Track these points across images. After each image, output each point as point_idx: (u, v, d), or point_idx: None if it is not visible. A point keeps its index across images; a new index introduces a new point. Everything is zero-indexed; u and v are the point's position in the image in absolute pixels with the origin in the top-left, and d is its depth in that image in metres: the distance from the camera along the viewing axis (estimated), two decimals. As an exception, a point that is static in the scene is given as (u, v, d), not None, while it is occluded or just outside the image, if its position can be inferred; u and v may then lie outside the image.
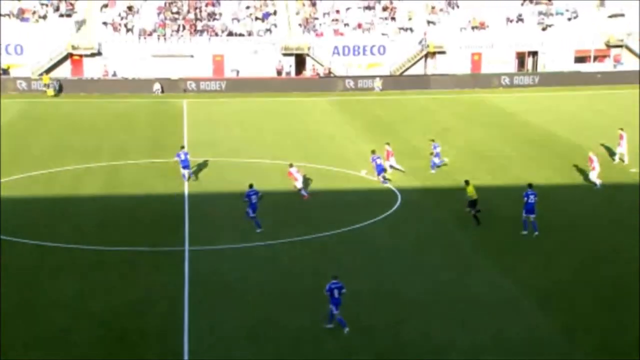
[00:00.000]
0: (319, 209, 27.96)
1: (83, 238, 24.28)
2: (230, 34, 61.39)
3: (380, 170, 30.79)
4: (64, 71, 58.25)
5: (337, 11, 64.37)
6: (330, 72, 60.86)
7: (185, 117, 46.69)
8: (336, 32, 62.73)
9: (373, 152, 31.73)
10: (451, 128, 42.95)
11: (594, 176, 30.58)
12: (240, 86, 57.79)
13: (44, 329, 18.28)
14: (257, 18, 62.83)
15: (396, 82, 59.34)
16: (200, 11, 62.94)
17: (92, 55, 58.38)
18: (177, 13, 62.50)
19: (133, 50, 59.00)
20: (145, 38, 59.90)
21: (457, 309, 19.59)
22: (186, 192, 30.18)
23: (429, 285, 21.24)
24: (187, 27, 61.15)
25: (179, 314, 19.24)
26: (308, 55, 61.45)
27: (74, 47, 58.09)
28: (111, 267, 22.18)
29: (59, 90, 54.46)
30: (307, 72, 61.30)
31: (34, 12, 59.68)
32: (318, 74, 60.12)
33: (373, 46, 61.81)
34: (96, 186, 30.72)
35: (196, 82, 57.25)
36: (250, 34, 61.53)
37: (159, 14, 62.24)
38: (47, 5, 60.75)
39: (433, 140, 34.20)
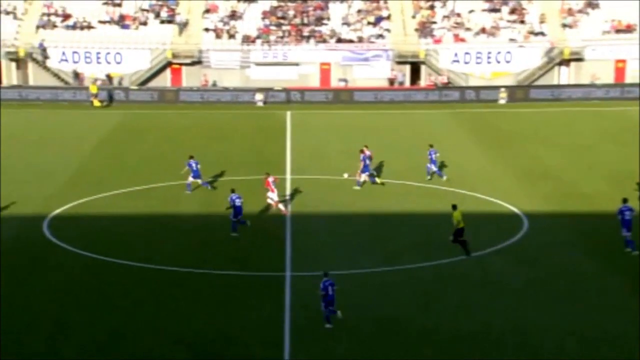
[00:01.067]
0: (433, 233, 27.49)
1: (181, 259, 24.91)
2: (339, 40, 61.99)
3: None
4: (163, 80, 60.68)
5: (458, 14, 63.66)
6: (448, 82, 60.14)
7: (289, 130, 47.33)
8: (456, 37, 62.00)
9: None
10: (592, 146, 41.26)
11: None
12: (349, 97, 58.11)
13: (141, 356, 18.79)
14: (369, 23, 63.15)
15: (524, 93, 57.82)
16: (308, 15, 64.01)
17: (192, 63, 60.52)
18: (283, 18, 63.84)
19: (235, 58, 60.69)
20: (248, 45, 61.53)
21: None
22: (288, 210, 30.47)
23: (573, 325, 20.28)
24: (293, 33, 62.32)
25: (279, 342, 19.32)
26: (424, 63, 61.03)
27: (174, 55, 60.43)
28: (209, 291, 22.59)
29: (110, 100, 56.29)
30: (423, 82, 60.84)
31: (135, 19, 62.64)
32: (435, 84, 59.55)
33: (498, 53, 60.62)
34: (195, 203, 31.56)
35: (301, 93, 58.08)
36: (360, 40, 61.87)
37: (263, 18, 63.82)
38: (147, 11, 63.61)
39: (432, 146, 34.57)
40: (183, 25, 62.38)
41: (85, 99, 56.21)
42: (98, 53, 59.65)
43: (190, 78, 60.65)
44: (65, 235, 26.88)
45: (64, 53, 59.25)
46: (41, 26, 60.83)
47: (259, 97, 57.37)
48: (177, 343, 19.39)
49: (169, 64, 60.62)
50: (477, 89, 58.40)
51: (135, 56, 60.11)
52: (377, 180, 33.87)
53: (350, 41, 61.86)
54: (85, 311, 21.05)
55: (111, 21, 62.17)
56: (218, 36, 62.12)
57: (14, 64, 59.09)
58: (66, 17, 61.73)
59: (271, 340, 19.52)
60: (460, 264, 24.71)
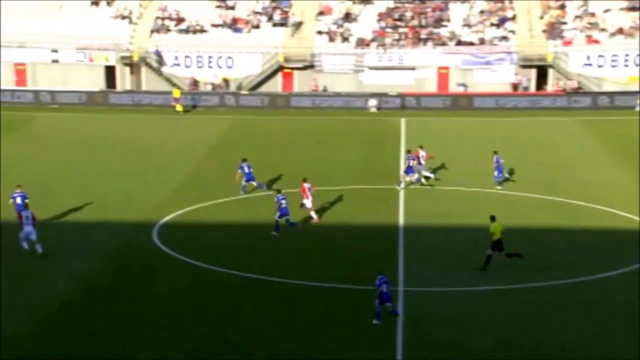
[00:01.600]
0: (553, 250, 26.74)
1: (280, 270, 25.30)
2: (459, 42, 61.30)
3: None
4: (274, 85, 61.86)
5: (592, 14, 61.60)
6: (579, 87, 58.24)
7: (403, 138, 47.15)
8: (589, 39, 59.99)
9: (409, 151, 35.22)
10: None
11: None
12: (469, 103, 57.34)
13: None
14: (492, 24, 62.14)
15: (665, 99, 55.24)
16: (426, 17, 63.67)
17: (304, 68, 61.41)
18: (400, 20, 63.80)
19: (348, 62, 61.13)
20: (362, 48, 61.83)
21: None
22: (401, 223, 30.38)
23: None
24: (410, 35, 62.16)
25: (391, 359, 19.32)
26: (551, 66, 59.41)
27: (285, 59, 61.52)
28: (317, 304, 22.81)
29: (193, 106, 57.56)
30: (550, 87, 59.21)
31: (247, 22, 64.27)
32: (564, 90, 57.82)
33: (637, 55, 58.20)
34: (298, 213, 31.97)
35: (417, 98, 57.81)
36: (482, 42, 60.94)
37: (378, 20, 64.01)
38: (260, 14, 65.12)
39: (496, 153, 34.89)
40: (296, 26, 63.34)
41: (197, 104, 58.14)
42: (210, 57, 61.52)
43: (301, 83, 61.51)
44: (174, 242, 27.82)
45: (176, 57, 61.47)
46: (155, 30, 63.40)
47: (372, 102, 57.51)
48: (284, 356, 19.68)
49: (280, 68, 61.74)
50: (611, 94, 56.32)
51: (247, 60, 61.59)
52: (424, 181, 35.30)
53: (471, 44, 61.02)
54: (191, 319, 21.70)
55: (224, 24, 64.01)
56: (331, 39, 62.77)
57: (127, 69, 61.79)
58: (180, 20, 64.08)
59: (383, 357, 19.47)
60: (583, 285, 23.89)
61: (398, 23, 63.49)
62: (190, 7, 65.17)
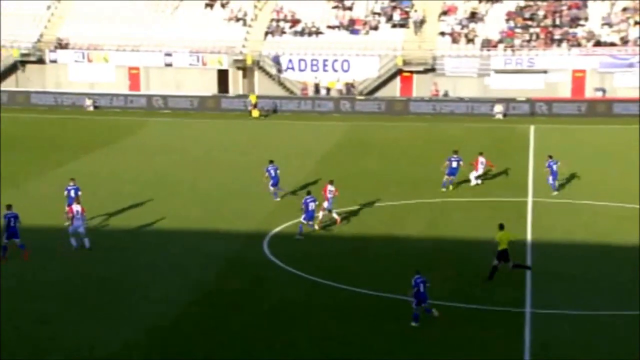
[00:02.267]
0: None
1: (402, 286, 25.07)
2: (598, 43, 59.34)
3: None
4: (392, 90, 61.63)
5: None
6: None
7: (532, 147, 46.05)
8: None
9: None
10: None
11: None
12: (607, 109, 55.42)
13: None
14: (636, 23, 59.81)
15: None
16: (561, 16, 62.02)
17: (425, 71, 60.93)
18: (531, 19, 62.41)
19: (472, 65, 60.25)
20: (488, 50, 60.83)
21: None
22: (529, 239, 29.62)
23: None
24: (542, 36, 60.68)
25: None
26: (703, 69, 56.59)
27: (404, 62, 61.21)
28: (434, 324, 22.48)
29: (274, 111, 58.20)
30: (701, 93, 56.42)
31: (365, 23, 64.43)
32: None
33: None
34: (421, 225, 31.67)
35: (548, 104, 56.36)
36: (624, 42, 58.77)
37: (507, 20, 62.82)
38: (379, 14, 65.15)
39: (550, 157, 35.53)
40: (418, 25, 62.82)
41: (310, 109, 58.76)
42: (325, 60, 61.98)
43: (421, 87, 61.02)
44: (284, 254, 28.09)
45: (290, 61, 62.29)
46: (269, 32, 64.51)
47: (498, 108, 56.47)
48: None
49: (398, 71, 61.49)
50: None
51: (364, 63, 61.69)
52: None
53: (612, 44, 58.95)
54: (300, 333, 21.81)
55: (340, 26, 64.40)
56: (455, 41, 62.06)
57: (240, 73, 63.11)
58: (295, 22, 64.96)
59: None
60: None
61: (529, 23, 62.10)
62: (306, 8, 65.87)
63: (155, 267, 26.82)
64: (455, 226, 31.46)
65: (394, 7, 65.23)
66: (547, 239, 29.57)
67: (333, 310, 23.53)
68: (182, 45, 63.28)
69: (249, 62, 62.35)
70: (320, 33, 64.05)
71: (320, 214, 30.96)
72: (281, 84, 62.29)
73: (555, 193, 35.42)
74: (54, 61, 63.61)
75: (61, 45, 64.19)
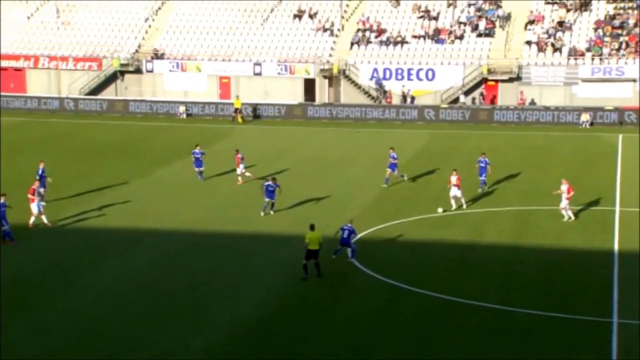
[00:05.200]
0: None
1: (482, 294, 24.38)
2: (688, 51, 57.02)
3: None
4: (476, 98, 60.69)
5: None
6: None
7: (620, 157, 44.47)
8: None
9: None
10: None
11: None
12: (697, 119, 53.12)
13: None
14: None
15: None
16: (650, 24, 59.87)
17: (510, 80, 59.69)
18: (620, 28, 60.36)
19: (559, 74, 58.71)
20: (575, 59, 59.15)
21: None
22: (616, 248, 28.45)
23: None
24: (632, 44, 58.59)
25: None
26: None
27: (489, 71, 60.13)
28: (511, 333, 21.74)
29: (255, 117, 59.07)
30: None
31: (450, 33, 63.55)
32: None
33: None
34: (504, 234, 30.83)
35: (637, 113, 54.36)
36: None
37: (595, 29, 60.94)
38: (465, 24, 64.17)
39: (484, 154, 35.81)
40: (504, 21, 61.48)
41: (394, 118, 58.32)
42: (410, 69, 61.41)
43: (505, 95, 59.90)
44: (368, 259, 27.69)
45: (375, 70, 61.98)
46: (355, 42, 64.35)
47: (585, 118, 54.84)
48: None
49: (484, 80, 60.43)
50: None
51: (448, 72, 60.86)
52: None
53: (702, 53, 56.52)
54: (384, 340, 21.38)
55: (425, 35, 63.72)
56: (541, 49, 60.58)
57: (326, 81, 63.14)
58: (380, 32, 64.62)
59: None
60: None
61: (618, 31, 60.06)
62: (392, 18, 65.52)
63: (241, 271, 26.78)
64: (541, 234, 30.49)
65: (480, 17, 64.17)
66: (635, 249, 28.30)
67: (416, 317, 23.00)
68: (271, 55, 63.72)
69: (335, 71, 62.30)
70: (406, 42, 63.49)
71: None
72: (366, 92, 61.98)
73: None
74: (150, 71, 64.93)
75: (157, 55, 65.49)
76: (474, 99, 60.46)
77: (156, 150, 48.12)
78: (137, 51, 66.11)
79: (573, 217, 31.98)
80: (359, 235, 28.99)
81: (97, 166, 42.71)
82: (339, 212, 33.99)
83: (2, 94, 64.00)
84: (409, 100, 60.76)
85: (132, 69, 65.01)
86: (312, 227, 25.95)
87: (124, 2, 69.20)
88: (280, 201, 33.84)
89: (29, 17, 68.78)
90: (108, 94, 64.85)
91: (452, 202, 33.51)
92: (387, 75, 61.69)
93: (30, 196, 31.25)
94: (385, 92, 61.08)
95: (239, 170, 38.70)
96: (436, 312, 23.35)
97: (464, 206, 33.71)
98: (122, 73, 65.15)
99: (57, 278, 26.10)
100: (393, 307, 23.80)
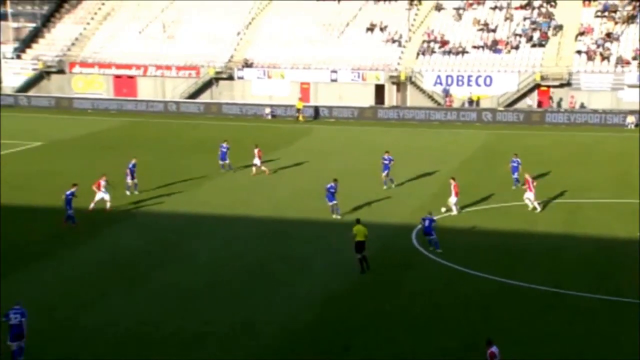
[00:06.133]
0: None
1: (535, 277, 23.87)
2: None
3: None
4: (529, 102, 59.41)
5: None
6: None
7: (663, 155, 42.85)
8: None
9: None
10: None
11: None
12: None
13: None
14: None
15: None
16: (693, 34, 57.35)
17: (561, 85, 58.24)
18: (662, 38, 58.11)
19: (606, 81, 56.93)
20: (622, 67, 57.21)
21: None
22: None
23: None
24: (675, 53, 56.38)
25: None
26: None
27: (542, 78, 58.83)
28: (562, 311, 21.21)
29: (315, 117, 58.74)
30: None
31: (507, 43, 62.33)
32: None
33: None
34: (553, 224, 30.09)
35: (679, 116, 52.28)
36: None
37: (640, 40, 58.81)
38: (520, 36, 62.87)
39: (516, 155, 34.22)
40: (554, 51, 60.22)
41: (455, 119, 57.59)
42: (469, 76, 60.53)
43: (557, 100, 58.46)
44: (428, 245, 27.42)
45: (438, 77, 61.31)
46: (421, 52, 63.72)
47: (630, 119, 53.08)
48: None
49: (536, 86, 59.10)
50: None
51: (504, 79, 59.75)
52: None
53: None
54: (440, 321, 21.13)
55: (484, 46, 62.66)
56: (590, 58, 58.80)
57: (394, 87, 62.75)
58: (444, 43, 63.81)
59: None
60: None
61: (662, 41, 57.84)
62: (454, 30, 64.69)
63: (313, 254, 26.80)
64: (588, 224, 29.66)
65: (534, 29, 62.74)
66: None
67: (476, 296, 22.66)
68: (346, 64, 63.63)
69: (402, 77, 61.84)
70: (466, 52, 62.54)
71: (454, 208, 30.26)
72: (430, 96, 61.33)
73: None
74: (241, 78, 65.64)
75: (247, 64, 66.17)
76: (530, 105, 59.17)
77: (246, 146, 48.63)
78: (229, 61, 66.92)
79: (539, 208, 31.12)
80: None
81: (194, 160, 43.36)
82: (408, 201, 33.81)
83: (118, 97, 65.82)
84: (466, 103, 59.80)
85: (225, 76, 65.83)
86: (357, 221, 25.25)
87: (219, 18, 70.14)
88: (349, 193, 33.69)
89: (140, 32, 70.39)
90: (204, 98, 65.87)
91: (453, 207, 31.26)
92: (449, 82, 60.91)
93: (99, 184, 31.71)
94: (451, 100, 60.16)
95: (257, 162, 38.59)
96: (494, 293, 22.98)
97: (454, 212, 31.02)
98: (217, 80, 66.05)
99: (157, 255, 26.68)
100: (455, 287, 23.53)
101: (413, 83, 62.01)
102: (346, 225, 29.88)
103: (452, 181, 31.69)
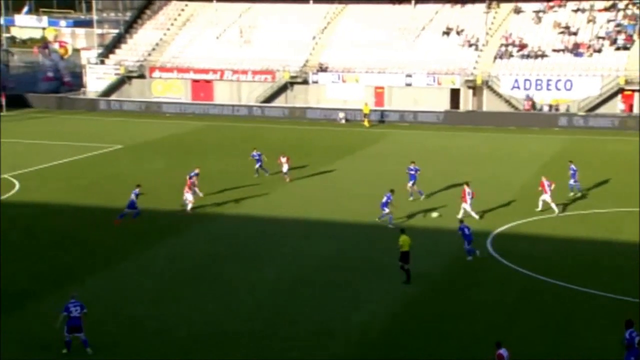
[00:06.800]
0: None
1: (615, 287, 23.31)
2: None
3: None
4: (612, 107, 57.74)
5: None
6: None
7: None
8: None
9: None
10: None
11: None
12: None
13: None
14: None
15: None
16: None
17: (645, 89, 56.48)
18: None
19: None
20: None
21: None
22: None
23: None
24: None
25: None
26: None
27: (626, 82, 57.14)
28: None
29: (380, 121, 58.63)
30: None
31: (589, 47, 60.79)
32: None
33: None
34: (633, 231, 29.27)
35: None
36: None
37: None
38: (603, 39, 61.20)
39: (571, 162, 33.67)
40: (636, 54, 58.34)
41: (533, 124, 56.65)
42: (549, 80, 59.33)
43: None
44: (507, 252, 27.13)
45: (516, 81, 60.31)
46: (498, 56, 62.87)
47: None
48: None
49: (620, 90, 57.39)
50: None
51: (586, 83, 58.29)
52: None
53: None
54: (521, 322, 20.92)
55: (565, 49, 61.30)
56: (677, 61, 56.71)
57: (470, 91, 62.07)
58: (522, 47, 62.78)
59: None
60: None
61: None
62: (534, 33, 63.54)
63: (390, 260, 26.90)
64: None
65: (619, 32, 60.95)
66: None
67: (552, 304, 22.34)
68: (421, 68, 63.37)
69: (478, 82, 61.13)
70: (545, 56, 61.33)
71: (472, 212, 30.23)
72: (507, 101, 60.41)
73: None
74: (315, 82, 66.22)
75: (322, 69, 66.74)
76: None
77: (320, 150, 49.10)
78: (304, 65, 67.64)
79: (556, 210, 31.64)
80: (498, 230, 28.45)
81: (273, 163, 43.87)
82: (485, 205, 33.50)
83: (195, 102, 67.49)
84: (545, 108, 58.59)
85: (300, 80, 66.57)
86: (402, 231, 25.03)
87: (295, 23, 71.03)
88: (433, 200, 33.48)
89: (217, 37, 71.98)
90: (279, 102, 66.77)
91: (472, 213, 30.89)
92: (527, 86, 59.82)
93: (188, 188, 32.73)
94: (534, 105, 59.08)
95: (285, 170, 38.30)
96: (571, 301, 22.59)
97: (460, 216, 30.27)
98: (292, 84, 66.87)
99: (233, 256, 27.29)
100: (530, 295, 23.29)
101: (489, 87, 61.23)
102: (423, 232, 29.73)
103: (465, 187, 31.25)
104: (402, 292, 23.56)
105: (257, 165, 39.54)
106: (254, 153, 39.91)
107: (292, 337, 20.48)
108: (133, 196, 31.29)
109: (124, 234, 29.87)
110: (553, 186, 32.02)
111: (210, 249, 28.14)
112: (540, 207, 32.06)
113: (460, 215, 30.25)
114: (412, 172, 34.94)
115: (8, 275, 25.03)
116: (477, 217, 30.91)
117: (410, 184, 34.56)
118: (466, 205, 30.98)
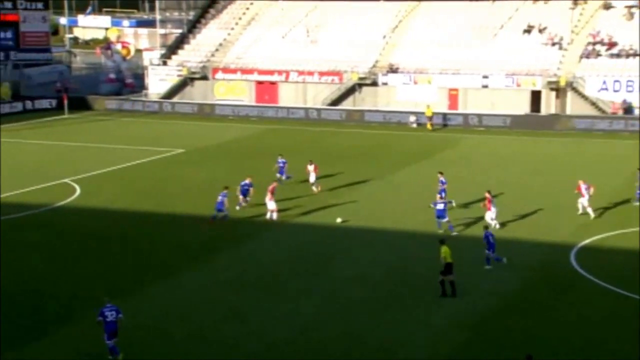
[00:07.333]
0: None
1: None
2: None
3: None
4: None
5: None
6: None
7: None
8: None
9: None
10: None
11: None
12: None
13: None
14: None
15: None
16: None
17: None
18: None
19: None
20: None
21: None
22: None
23: None
24: None
25: None
26: None
27: None
28: None
29: (444, 125, 57.24)
30: None
31: (684, 44, 58.60)
32: None
33: None
34: None
35: None
36: None
37: None
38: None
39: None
40: None
41: (622, 129, 54.88)
42: (641, 81, 57.43)
43: None
44: (593, 266, 26.22)
45: (604, 82, 58.57)
46: (584, 55, 61.20)
47: None
48: None
49: None
50: None
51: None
52: None
53: None
54: (605, 345, 20.10)
55: None
56: None
57: (553, 93, 60.59)
58: (611, 45, 60.96)
59: None
60: None
61: None
62: (624, 31, 61.57)
63: (468, 270, 26.34)
64: None
65: None
66: None
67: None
68: (499, 68, 62.25)
69: (562, 83, 59.59)
70: (638, 55, 59.31)
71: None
72: (593, 104, 58.69)
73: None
74: (385, 83, 65.85)
75: (392, 69, 66.35)
76: None
77: (391, 155, 48.69)
78: (374, 66, 67.38)
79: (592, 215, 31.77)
80: (582, 243, 27.53)
81: (338, 168, 43.72)
82: (563, 217, 32.56)
83: (259, 104, 68.01)
84: (636, 111, 56.67)
85: (368, 82, 66.32)
86: (442, 242, 24.30)
87: (364, 22, 70.89)
88: (509, 209, 32.80)
89: (282, 37, 72.44)
90: (347, 104, 66.65)
91: (492, 222, 29.93)
92: (617, 87, 57.99)
93: (272, 190, 32.82)
94: (614, 104, 57.41)
95: (312, 179, 37.31)
96: (609, 305, 21.67)
97: (496, 226, 30.10)
98: (360, 86, 66.69)
99: (302, 265, 27.21)
100: (617, 314, 22.35)
101: (574, 89, 59.61)
102: (513, 242, 29.07)
103: (487, 194, 30.81)
104: (474, 308, 22.99)
105: (279, 175, 38.34)
106: (280, 160, 39.04)
107: (354, 353, 20.21)
108: (220, 198, 31.72)
109: (187, 241, 30.21)
110: (592, 190, 32.11)
111: (275, 257, 28.17)
112: (580, 211, 32.33)
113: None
114: (442, 186, 33.99)
115: (69, 281, 25.58)
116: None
117: (439, 196, 33.12)
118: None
